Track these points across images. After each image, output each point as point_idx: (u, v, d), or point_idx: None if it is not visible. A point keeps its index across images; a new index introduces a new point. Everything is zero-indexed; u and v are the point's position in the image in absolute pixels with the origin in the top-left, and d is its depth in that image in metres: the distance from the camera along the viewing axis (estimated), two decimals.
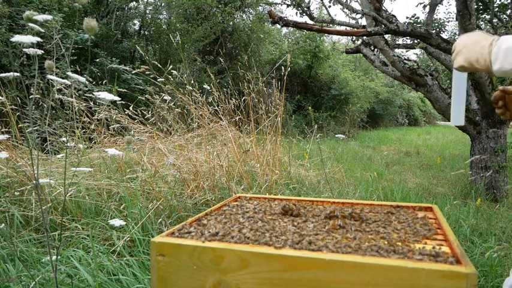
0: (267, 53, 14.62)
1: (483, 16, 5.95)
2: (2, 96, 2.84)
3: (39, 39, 1.03)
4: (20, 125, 3.25)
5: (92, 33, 1.01)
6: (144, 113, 3.78)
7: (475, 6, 4.55)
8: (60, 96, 2.75)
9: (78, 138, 3.53)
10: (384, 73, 4.99)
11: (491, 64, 0.95)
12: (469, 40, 0.99)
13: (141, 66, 3.26)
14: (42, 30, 1.09)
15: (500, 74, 0.97)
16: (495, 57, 0.95)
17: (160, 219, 2.25)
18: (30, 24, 1.05)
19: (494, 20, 5.71)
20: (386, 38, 4.73)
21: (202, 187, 2.73)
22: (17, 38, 0.99)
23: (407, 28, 3.74)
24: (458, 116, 1.12)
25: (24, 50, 1.09)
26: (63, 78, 1.29)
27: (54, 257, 1.34)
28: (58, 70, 5.15)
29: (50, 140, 3.44)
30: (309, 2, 5.69)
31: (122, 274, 1.77)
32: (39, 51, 1.11)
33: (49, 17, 1.04)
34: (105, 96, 1.13)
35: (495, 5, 5.40)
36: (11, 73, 1.23)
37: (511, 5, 5.66)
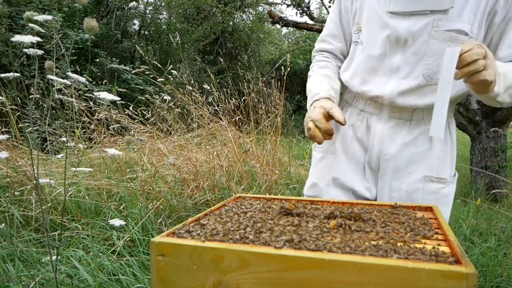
0: (267, 53, 14.63)
1: None
2: (2, 96, 2.84)
3: (39, 39, 1.03)
4: (20, 125, 3.25)
5: (92, 33, 1.01)
6: (144, 113, 3.78)
7: None
8: (60, 96, 2.75)
9: (78, 138, 3.54)
10: None
11: (494, 85, 0.90)
12: (490, 53, 0.89)
13: (141, 66, 3.26)
14: (42, 30, 1.09)
15: (492, 97, 0.93)
16: (498, 79, 0.91)
17: (160, 219, 2.25)
18: (30, 25, 1.06)
19: None
20: None
21: (202, 187, 2.73)
22: (17, 38, 0.99)
23: None
24: (438, 124, 0.92)
25: (24, 50, 1.09)
26: (63, 78, 1.29)
27: (54, 257, 1.34)
28: (58, 70, 5.15)
29: (50, 140, 3.44)
30: (309, 2, 5.70)
31: (122, 274, 1.77)
32: (39, 52, 1.11)
33: (49, 17, 1.04)
34: (105, 96, 1.13)
35: None
36: (11, 73, 1.23)
37: None
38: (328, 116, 1.05)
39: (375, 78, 1.11)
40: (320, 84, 1.17)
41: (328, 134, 1.03)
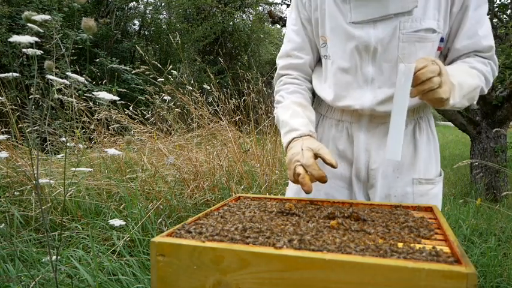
0: (267, 53, 14.64)
1: None
2: (2, 96, 2.84)
3: (37, 39, 1.03)
4: (20, 125, 3.25)
5: (90, 32, 1.01)
6: (144, 113, 3.78)
7: None
8: (60, 96, 2.75)
9: (78, 138, 3.54)
10: None
11: (450, 99, 0.89)
12: (444, 68, 0.87)
13: (141, 66, 3.26)
14: (41, 30, 1.09)
15: (450, 107, 0.93)
16: (453, 93, 0.90)
17: (160, 219, 2.25)
18: (29, 24, 1.05)
19: (494, 20, 5.71)
20: None
21: (202, 187, 2.73)
22: (15, 38, 0.99)
23: None
24: (394, 147, 0.89)
25: (23, 50, 1.09)
26: (62, 78, 1.29)
27: (54, 257, 1.34)
28: (58, 70, 5.15)
29: (49, 140, 3.44)
30: None
31: (121, 274, 1.77)
32: (38, 52, 1.11)
33: (47, 17, 1.03)
34: (105, 96, 1.13)
35: (495, 5, 5.39)
36: (10, 73, 1.23)
37: (511, 5, 5.66)
38: (316, 157, 0.95)
39: (350, 92, 1.05)
40: (296, 118, 1.06)
41: (322, 182, 0.92)
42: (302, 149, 0.95)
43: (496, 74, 1.06)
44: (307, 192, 0.90)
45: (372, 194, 1.08)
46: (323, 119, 1.16)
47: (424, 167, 1.07)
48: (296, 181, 0.94)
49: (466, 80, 0.94)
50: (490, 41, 1.03)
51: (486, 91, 1.04)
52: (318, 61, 1.19)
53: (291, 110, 1.09)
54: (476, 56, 1.04)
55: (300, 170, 0.92)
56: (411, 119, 1.07)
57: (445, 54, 1.08)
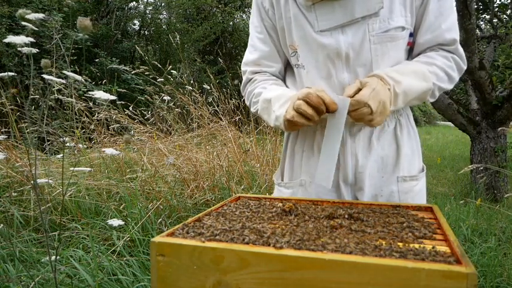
0: None
1: (483, 16, 5.96)
2: (1, 96, 2.84)
3: (32, 39, 1.02)
4: (19, 125, 3.25)
5: (86, 32, 1.01)
6: (144, 113, 3.78)
7: (475, 6, 4.55)
8: (60, 96, 2.75)
9: (78, 138, 3.54)
10: None
11: (392, 107, 0.90)
12: (380, 100, 0.88)
13: (141, 66, 3.26)
14: (36, 29, 1.08)
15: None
16: (397, 101, 0.92)
17: (160, 219, 2.25)
18: (25, 23, 1.05)
19: (494, 20, 5.71)
20: None
21: (202, 187, 2.73)
22: (10, 39, 0.99)
23: None
24: (326, 173, 0.89)
25: (19, 49, 1.08)
26: (61, 78, 1.29)
27: (53, 257, 1.34)
28: (57, 70, 5.14)
29: (49, 140, 3.44)
30: None
31: (121, 274, 1.77)
32: (34, 50, 1.10)
33: (41, 16, 1.03)
34: (101, 95, 1.12)
35: (495, 5, 5.40)
36: (6, 73, 1.22)
37: (511, 5, 5.66)
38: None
39: None
40: (290, 92, 1.04)
41: (332, 109, 0.87)
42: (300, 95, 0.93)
43: (463, 66, 1.04)
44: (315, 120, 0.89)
45: (360, 196, 1.06)
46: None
47: (408, 164, 1.06)
48: (300, 110, 0.89)
49: (413, 86, 0.94)
50: (454, 34, 1.01)
51: (451, 87, 1.03)
52: (287, 68, 1.17)
53: (281, 89, 1.05)
54: (440, 50, 1.02)
55: (304, 91, 0.89)
56: (392, 118, 1.06)
57: (411, 48, 1.07)
